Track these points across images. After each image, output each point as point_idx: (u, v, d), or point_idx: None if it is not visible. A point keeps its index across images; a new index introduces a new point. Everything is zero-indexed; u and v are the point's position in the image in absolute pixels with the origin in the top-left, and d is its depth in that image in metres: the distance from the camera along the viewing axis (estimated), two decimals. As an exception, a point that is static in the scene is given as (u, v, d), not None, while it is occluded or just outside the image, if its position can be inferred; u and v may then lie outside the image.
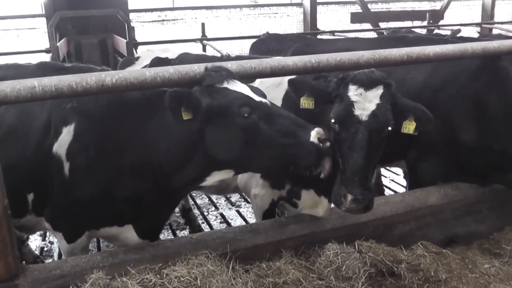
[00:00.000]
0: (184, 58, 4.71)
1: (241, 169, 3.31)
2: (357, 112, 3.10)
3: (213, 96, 2.96)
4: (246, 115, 2.89)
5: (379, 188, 6.88)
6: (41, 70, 3.78)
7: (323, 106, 3.35)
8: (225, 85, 2.99)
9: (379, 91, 3.13)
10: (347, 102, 3.14)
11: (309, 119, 3.10)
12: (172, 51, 5.11)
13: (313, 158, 2.89)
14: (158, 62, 4.59)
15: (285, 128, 2.92)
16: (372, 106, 3.11)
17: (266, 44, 6.85)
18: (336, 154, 3.16)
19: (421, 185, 4.48)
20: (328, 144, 2.88)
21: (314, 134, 2.86)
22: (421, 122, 3.27)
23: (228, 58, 4.57)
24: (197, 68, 3.08)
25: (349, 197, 3.03)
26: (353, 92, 3.14)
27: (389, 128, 3.15)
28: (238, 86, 3.01)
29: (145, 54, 5.30)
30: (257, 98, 2.98)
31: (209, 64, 3.16)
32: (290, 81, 3.49)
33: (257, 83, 3.89)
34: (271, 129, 2.92)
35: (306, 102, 3.41)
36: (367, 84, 3.13)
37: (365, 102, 3.11)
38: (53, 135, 3.44)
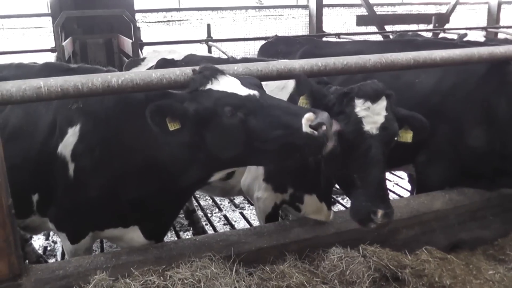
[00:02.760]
0: (190, 60, 4.70)
1: (246, 164, 3.27)
2: (367, 127, 3.06)
3: (199, 100, 2.89)
4: (229, 114, 2.79)
5: (384, 192, 6.86)
6: (46, 70, 3.78)
7: None
8: (209, 86, 2.89)
9: (384, 102, 3.10)
10: (356, 119, 3.08)
11: None
12: (178, 52, 5.10)
13: (311, 148, 2.72)
14: (164, 63, 4.59)
15: (276, 119, 2.76)
16: (381, 119, 3.07)
17: (274, 47, 6.85)
18: (347, 169, 3.13)
19: (429, 189, 4.47)
20: (323, 128, 2.63)
21: (305, 122, 2.66)
22: (417, 131, 3.26)
23: (234, 60, 4.56)
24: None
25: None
26: (361, 107, 3.09)
27: (396, 138, 3.15)
28: (223, 84, 2.89)
29: (151, 55, 5.30)
30: (243, 92, 2.84)
31: (196, 67, 3.09)
32: (297, 76, 3.44)
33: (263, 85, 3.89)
34: (261, 123, 2.79)
35: (303, 102, 3.36)
36: (373, 97, 3.09)
37: (374, 115, 3.08)
38: (58, 135, 3.44)
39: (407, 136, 3.26)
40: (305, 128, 2.64)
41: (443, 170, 4.50)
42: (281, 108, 2.79)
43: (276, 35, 7.94)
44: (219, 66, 3.14)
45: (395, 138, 3.14)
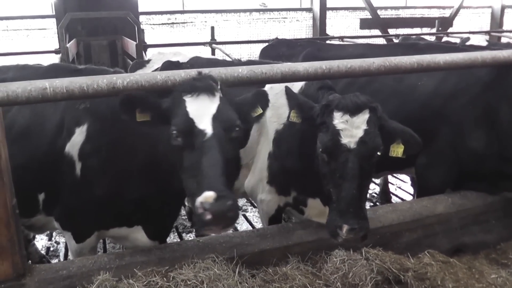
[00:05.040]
0: (195, 62, 4.71)
1: None
2: (344, 140, 3.04)
3: (172, 105, 2.93)
4: (174, 136, 2.81)
5: (386, 195, 6.87)
6: (53, 72, 3.81)
7: (308, 126, 3.35)
8: (188, 98, 2.86)
9: (365, 116, 3.08)
10: (333, 131, 3.08)
11: None
12: (183, 55, 5.10)
13: (196, 217, 2.61)
14: (169, 65, 4.60)
15: (195, 169, 2.70)
16: (359, 133, 3.05)
17: (276, 49, 6.86)
18: (327, 183, 3.16)
19: (429, 192, 4.47)
20: (208, 217, 2.50)
21: (201, 198, 2.54)
22: (409, 146, 3.22)
23: (239, 62, 4.57)
24: (208, 72, 3.08)
25: (345, 227, 2.98)
26: (339, 120, 3.08)
27: (379, 153, 3.10)
28: (197, 105, 2.83)
29: (156, 57, 5.30)
30: (199, 125, 2.77)
31: (202, 70, 3.13)
32: (286, 90, 3.50)
33: (267, 88, 3.90)
34: (188, 161, 2.78)
35: (293, 116, 3.41)
36: (352, 110, 3.07)
37: (352, 128, 3.06)
38: (66, 135, 3.47)
39: (398, 151, 3.23)
40: (198, 201, 2.55)
41: (444, 173, 4.50)
42: (207, 164, 2.67)
43: (277, 38, 7.94)
44: (224, 69, 3.15)
45: (378, 153, 3.09)
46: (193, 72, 3.04)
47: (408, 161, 4.66)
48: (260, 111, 3.19)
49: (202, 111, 2.82)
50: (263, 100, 3.20)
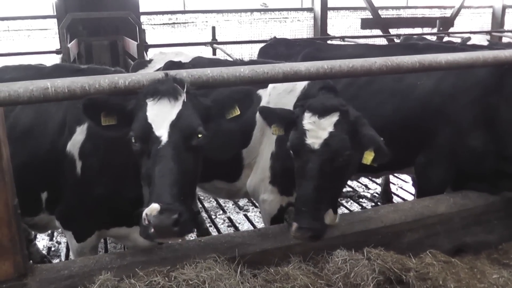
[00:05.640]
0: (198, 62, 4.70)
1: None
2: (309, 140, 3.09)
3: (135, 107, 2.90)
4: (132, 140, 2.80)
5: (388, 195, 6.87)
6: (57, 71, 3.83)
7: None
8: (149, 101, 2.80)
9: (333, 118, 3.11)
10: (301, 130, 3.14)
11: None
12: (185, 55, 5.10)
13: (141, 227, 2.62)
14: (171, 66, 4.60)
15: (149, 179, 2.68)
16: (325, 134, 3.08)
17: (274, 49, 6.84)
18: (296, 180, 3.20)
19: (429, 191, 4.48)
20: (151, 230, 2.51)
21: (147, 210, 2.52)
22: (378, 154, 3.18)
23: (241, 62, 4.57)
24: (210, 72, 3.08)
25: (294, 225, 3.04)
26: (307, 120, 3.13)
27: (343, 158, 3.09)
28: (157, 109, 2.77)
29: (158, 57, 5.29)
30: (156, 131, 2.72)
31: (168, 72, 3.02)
32: (260, 110, 3.53)
33: (270, 88, 3.90)
34: (144, 168, 2.78)
35: (275, 130, 3.43)
36: (321, 112, 3.12)
37: (319, 130, 3.09)
38: (67, 134, 3.48)
39: (368, 158, 3.19)
40: (146, 210, 2.54)
41: (443, 172, 4.50)
42: (159, 174, 2.63)
43: (274, 37, 7.93)
44: (225, 68, 3.13)
45: (342, 158, 3.10)
46: (194, 72, 3.03)
47: (408, 161, 4.68)
48: (237, 112, 3.07)
49: (161, 117, 2.74)
50: (247, 100, 3.09)
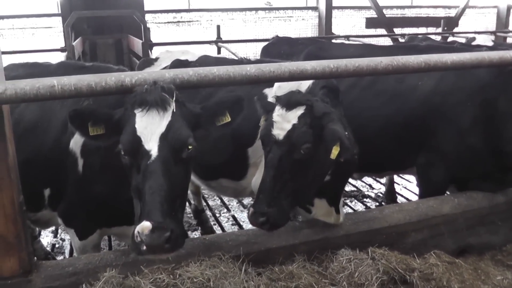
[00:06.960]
0: (204, 61, 4.70)
1: None
2: (275, 131, 3.18)
3: (123, 117, 2.85)
4: (122, 153, 2.77)
5: (392, 195, 6.85)
6: (62, 69, 3.84)
7: None
8: (138, 112, 2.72)
9: (298, 112, 3.18)
10: (269, 122, 3.25)
11: None
12: (192, 53, 5.08)
13: (132, 244, 2.57)
14: (178, 64, 4.60)
15: (139, 195, 2.64)
16: (288, 126, 3.16)
17: (277, 48, 6.84)
18: None
19: (431, 190, 4.50)
20: (143, 248, 2.48)
21: (138, 227, 2.49)
22: (342, 149, 3.16)
23: (248, 61, 4.56)
24: (216, 71, 3.08)
25: (251, 210, 3.12)
26: (276, 113, 3.24)
27: (303, 151, 3.12)
28: (145, 121, 2.70)
29: (164, 55, 5.27)
30: (146, 145, 2.66)
31: (156, 80, 2.92)
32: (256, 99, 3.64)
33: (275, 87, 3.90)
34: (134, 182, 2.73)
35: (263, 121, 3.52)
36: (287, 105, 3.21)
37: (284, 122, 3.18)
38: (70, 131, 3.48)
39: (334, 153, 3.19)
40: (138, 227, 2.51)
41: (444, 171, 4.51)
42: (149, 191, 2.57)
43: (277, 36, 7.92)
44: (231, 67, 3.12)
45: (302, 151, 3.12)
46: (201, 70, 3.03)
47: (408, 161, 4.68)
48: (227, 119, 3.01)
49: (150, 129, 2.68)
50: (237, 107, 3.04)
